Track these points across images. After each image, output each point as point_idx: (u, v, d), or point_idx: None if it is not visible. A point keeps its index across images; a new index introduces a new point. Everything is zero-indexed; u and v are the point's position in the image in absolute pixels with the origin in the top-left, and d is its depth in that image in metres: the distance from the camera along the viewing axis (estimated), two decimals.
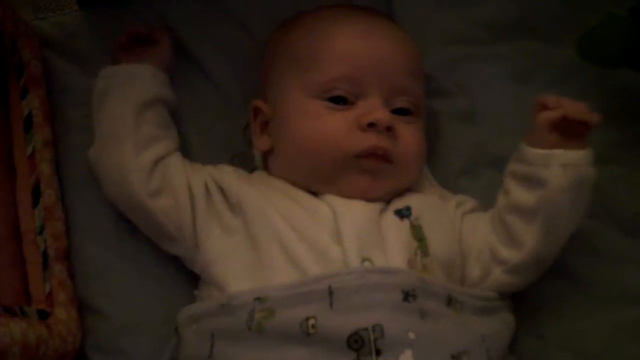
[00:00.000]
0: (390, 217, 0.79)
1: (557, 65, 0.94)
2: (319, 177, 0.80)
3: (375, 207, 0.79)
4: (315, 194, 0.81)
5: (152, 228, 0.84)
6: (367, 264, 0.74)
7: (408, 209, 0.79)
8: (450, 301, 0.75)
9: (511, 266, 0.79)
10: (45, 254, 0.84)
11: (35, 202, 0.86)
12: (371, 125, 0.78)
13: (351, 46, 0.81)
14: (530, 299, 0.84)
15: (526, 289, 0.83)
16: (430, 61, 0.92)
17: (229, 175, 0.84)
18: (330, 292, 0.71)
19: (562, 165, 0.76)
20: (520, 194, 0.78)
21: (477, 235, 0.82)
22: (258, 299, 0.73)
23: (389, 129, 0.79)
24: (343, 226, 0.76)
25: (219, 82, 0.95)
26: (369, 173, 0.79)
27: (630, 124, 0.90)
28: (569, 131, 0.77)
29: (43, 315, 0.81)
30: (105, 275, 0.87)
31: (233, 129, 0.93)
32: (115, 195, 0.85)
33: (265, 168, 0.87)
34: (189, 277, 0.85)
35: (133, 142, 0.83)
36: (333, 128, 0.79)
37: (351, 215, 0.77)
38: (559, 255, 0.83)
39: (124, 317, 0.86)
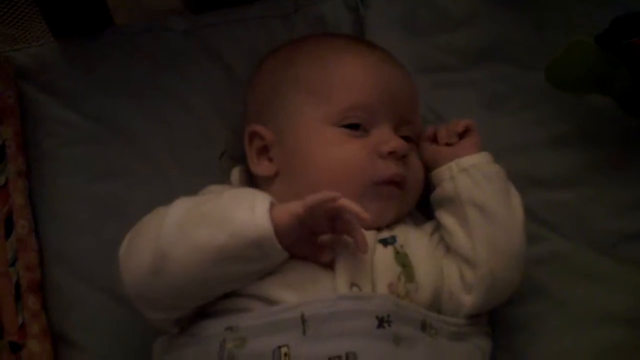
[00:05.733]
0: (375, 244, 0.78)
1: (529, 90, 0.95)
2: None
3: (372, 234, 0.79)
4: None
5: None
6: (355, 289, 0.74)
7: (393, 237, 0.79)
8: (424, 326, 0.75)
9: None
10: (17, 286, 0.84)
11: (8, 233, 0.85)
12: (390, 153, 0.79)
13: (364, 75, 0.82)
14: (507, 320, 0.84)
15: (504, 311, 0.83)
16: None
17: None
18: (304, 320, 0.71)
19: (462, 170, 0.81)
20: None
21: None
22: (229, 328, 0.72)
23: (404, 157, 0.81)
24: (340, 250, 0.76)
25: (196, 112, 0.95)
26: (383, 200, 0.80)
27: (600, 146, 0.92)
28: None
29: (15, 347, 0.80)
30: (80, 307, 0.86)
31: (210, 157, 0.93)
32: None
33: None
34: None
35: None
36: (355, 156, 0.79)
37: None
38: (536, 276, 0.84)
39: (99, 348, 0.85)
